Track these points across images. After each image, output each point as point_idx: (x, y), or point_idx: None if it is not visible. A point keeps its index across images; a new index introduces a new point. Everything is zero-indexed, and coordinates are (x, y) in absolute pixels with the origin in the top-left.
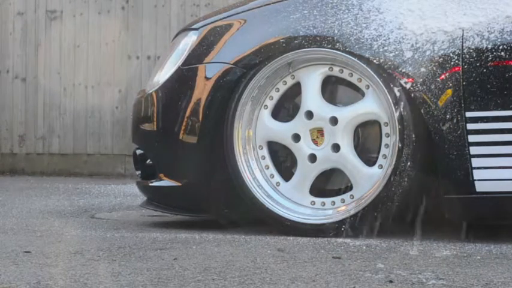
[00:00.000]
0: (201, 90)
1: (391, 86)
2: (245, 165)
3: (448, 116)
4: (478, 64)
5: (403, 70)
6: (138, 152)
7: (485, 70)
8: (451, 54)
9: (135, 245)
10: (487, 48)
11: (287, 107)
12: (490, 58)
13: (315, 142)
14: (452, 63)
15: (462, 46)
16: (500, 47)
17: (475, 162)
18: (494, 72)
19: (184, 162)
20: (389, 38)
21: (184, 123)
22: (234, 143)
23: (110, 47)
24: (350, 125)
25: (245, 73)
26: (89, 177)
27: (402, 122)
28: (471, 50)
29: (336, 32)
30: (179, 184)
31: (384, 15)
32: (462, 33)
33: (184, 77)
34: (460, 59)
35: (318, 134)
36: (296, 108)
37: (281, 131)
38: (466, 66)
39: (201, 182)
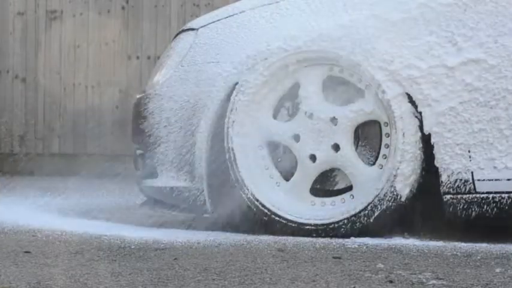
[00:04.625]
0: (201, 90)
1: (391, 86)
2: (245, 165)
3: (447, 117)
4: (477, 64)
5: (403, 70)
6: (138, 152)
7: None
8: (451, 54)
9: (135, 245)
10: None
11: (287, 107)
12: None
13: (315, 142)
14: (452, 63)
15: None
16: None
17: (475, 162)
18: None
19: (184, 162)
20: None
21: (184, 123)
22: (234, 143)
23: (110, 47)
24: (350, 125)
25: (245, 73)
26: (88, 177)
27: (402, 122)
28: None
29: (337, 32)
30: (179, 184)
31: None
32: None
33: (184, 77)
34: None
35: (318, 134)
36: (296, 108)
37: (281, 131)
38: (463, 67)
39: (201, 182)
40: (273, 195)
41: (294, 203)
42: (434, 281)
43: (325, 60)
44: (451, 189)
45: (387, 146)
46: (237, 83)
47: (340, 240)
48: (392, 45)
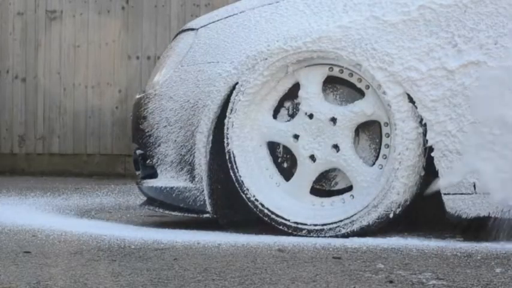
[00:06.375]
0: (201, 90)
1: (391, 86)
2: (245, 165)
3: (447, 117)
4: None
5: (403, 71)
6: (138, 152)
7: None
8: (449, 55)
9: (135, 245)
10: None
11: (287, 107)
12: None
13: (315, 142)
14: (451, 64)
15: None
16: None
17: (475, 162)
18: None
19: (184, 162)
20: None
21: (184, 123)
22: (233, 143)
23: (110, 47)
24: (350, 125)
25: (245, 73)
26: (88, 177)
27: (402, 123)
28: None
29: (337, 33)
30: (179, 184)
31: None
32: None
33: (184, 77)
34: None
35: (318, 134)
36: (296, 108)
37: (281, 131)
38: (462, 69)
39: (201, 182)
40: (273, 195)
41: (294, 203)
42: (434, 281)
43: (325, 61)
44: (451, 189)
45: (387, 146)
46: (237, 83)
47: (340, 240)
48: (393, 46)
